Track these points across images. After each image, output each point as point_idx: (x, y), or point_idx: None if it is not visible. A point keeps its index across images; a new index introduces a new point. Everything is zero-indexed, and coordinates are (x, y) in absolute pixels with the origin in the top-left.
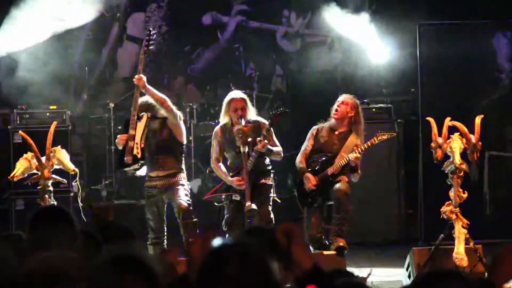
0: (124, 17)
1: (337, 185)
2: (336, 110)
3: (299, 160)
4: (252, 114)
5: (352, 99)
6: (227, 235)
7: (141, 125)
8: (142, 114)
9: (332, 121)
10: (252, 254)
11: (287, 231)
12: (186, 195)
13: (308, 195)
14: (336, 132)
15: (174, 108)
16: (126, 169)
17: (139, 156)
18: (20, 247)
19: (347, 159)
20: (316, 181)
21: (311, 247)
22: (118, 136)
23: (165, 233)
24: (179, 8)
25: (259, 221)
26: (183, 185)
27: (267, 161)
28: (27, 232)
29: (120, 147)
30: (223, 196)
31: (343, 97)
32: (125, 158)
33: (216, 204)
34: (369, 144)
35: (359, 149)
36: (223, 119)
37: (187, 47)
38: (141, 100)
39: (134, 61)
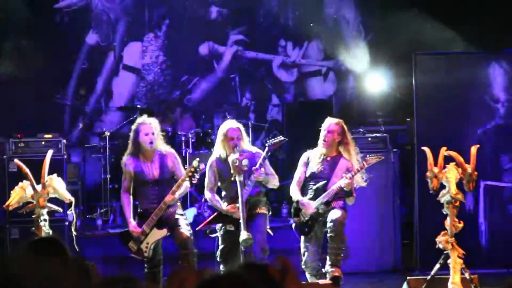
0: (121, 47)
1: (333, 214)
2: (324, 140)
3: (294, 188)
4: (246, 144)
5: (337, 124)
6: (221, 266)
7: (156, 235)
8: (163, 227)
9: (322, 147)
10: (243, 285)
11: (282, 266)
12: (187, 224)
13: (305, 223)
14: (328, 158)
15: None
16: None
17: (146, 254)
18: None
19: (339, 186)
20: (312, 209)
21: (308, 274)
22: (132, 225)
23: (162, 263)
24: (176, 38)
25: (254, 251)
26: (182, 214)
27: (262, 191)
28: (19, 264)
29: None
30: (217, 226)
31: (328, 125)
32: (131, 244)
33: (210, 235)
34: (359, 169)
35: (350, 174)
36: (218, 148)
37: (184, 77)
38: None
39: (129, 91)
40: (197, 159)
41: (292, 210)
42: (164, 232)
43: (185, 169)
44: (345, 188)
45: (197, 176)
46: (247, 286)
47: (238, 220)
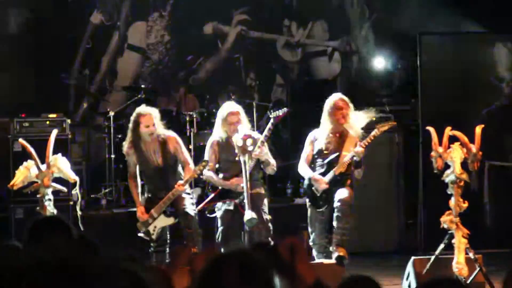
0: (125, 26)
1: (340, 194)
2: (344, 118)
3: (303, 166)
4: (246, 126)
5: (343, 100)
6: (222, 248)
7: (164, 221)
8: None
9: (328, 124)
10: (252, 263)
11: (291, 246)
12: (192, 204)
13: (319, 197)
14: (336, 134)
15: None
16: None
17: (153, 237)
18: (16, 258)
19: (353, 153)
20: (326, 182)
21: (315, 252)
22: (140, 210)
23: (168, 242)
24: (180, 18)
25: (258, 231)
26: (188, 193)
27: (261, 172)
28: (24, 242)
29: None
30: (216, 208)
31: (343, 104)
32: (139, 225)
33: (207, 214)
34: (372, 137)
35: (363, 142)
36: (218, 130)
37: (189, 57)
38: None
39: (134, 70)
40: (204, 161)
41: (304, 186)
42: (171, 220)
43: (188, 149)
44: (356, 158)
45: (205, 173)
46: (256, 264)
47: (238, 196)
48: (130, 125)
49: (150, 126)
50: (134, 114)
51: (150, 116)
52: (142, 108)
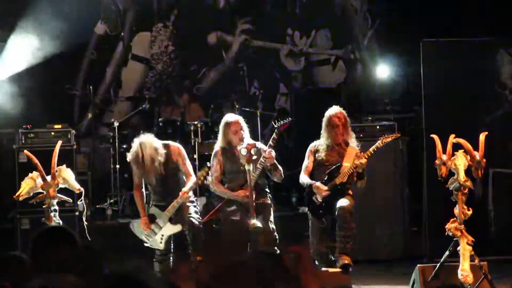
0: (129, 37)
1: (342, 202)
2: (341, 134)
3: (303, 176)
4: (248, 135)
5: (343, 113)
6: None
7: (171, 229)
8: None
9: (327, 136)
10: (257, 273)
11: (296, 255)
12: (196, 212)
13: (320, 206)
14: (335, 146)
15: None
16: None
17: (161, 245)
18: (22, 269)
19: (355, 165)
20: (326, 191)
21: (316, 262)
22: (144, 221)
23: (172, 250)
24: (185, 28)
25: (264, 240)
26: (192, 201)
27: (265, 182)
28: (29, 253)
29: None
30: (222, 216)
31: (341, 118)
32: (146, 234)
33: (214, 225)
34: (375, 148)
35: (366, 154)
36: (222, 141)
37: (193, 66)
38: None
39: (138, 80)
40: (207, 166)
41: (305, 195)
42: (178, 227)
43: (193, 159)
44: (358, 169)
45: (209, 178)
46: (262, 274)
47: (244, 207)
48: (134, 151)
49: (154, 156)
50: (137, 144)
51: (152, 151)
52: (144, 139)
